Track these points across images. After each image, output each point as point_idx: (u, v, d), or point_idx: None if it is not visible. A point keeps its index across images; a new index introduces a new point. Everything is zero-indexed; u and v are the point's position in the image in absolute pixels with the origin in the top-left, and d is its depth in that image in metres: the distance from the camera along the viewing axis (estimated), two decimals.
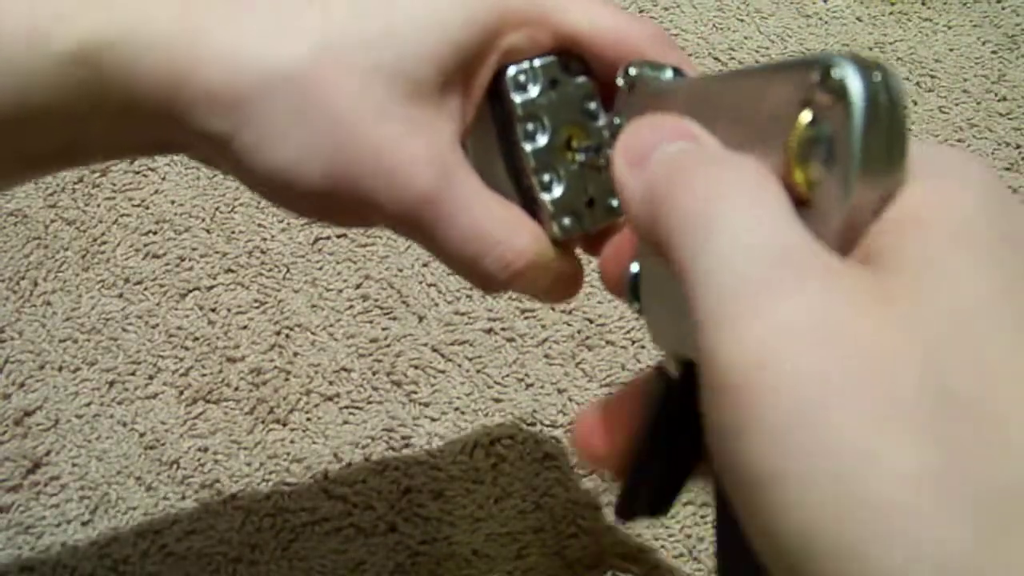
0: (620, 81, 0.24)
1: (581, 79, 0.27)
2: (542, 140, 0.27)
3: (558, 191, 0.27)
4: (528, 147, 0.27)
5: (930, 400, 0.14)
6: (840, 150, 0.16)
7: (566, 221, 0.27)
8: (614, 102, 0.25)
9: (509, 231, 0.26)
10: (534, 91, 0.26)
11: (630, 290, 0.23)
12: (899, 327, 0.15)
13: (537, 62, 0.26)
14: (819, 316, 0.15)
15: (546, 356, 0.48)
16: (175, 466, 0.44)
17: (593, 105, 0.27)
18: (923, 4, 0.65)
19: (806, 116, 0.17)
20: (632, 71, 0.24)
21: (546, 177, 0.27)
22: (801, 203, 0.17)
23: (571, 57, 0.26)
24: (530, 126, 0.26)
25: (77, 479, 0.44)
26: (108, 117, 0.23)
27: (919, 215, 0.16)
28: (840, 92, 0.16)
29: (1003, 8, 0.65)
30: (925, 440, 0.14)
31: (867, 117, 0.16)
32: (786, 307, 0.15)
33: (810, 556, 0.14)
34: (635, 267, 0.23)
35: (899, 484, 0.14)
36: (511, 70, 0.26)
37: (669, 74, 0.24)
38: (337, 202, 0.24)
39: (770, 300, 0.15)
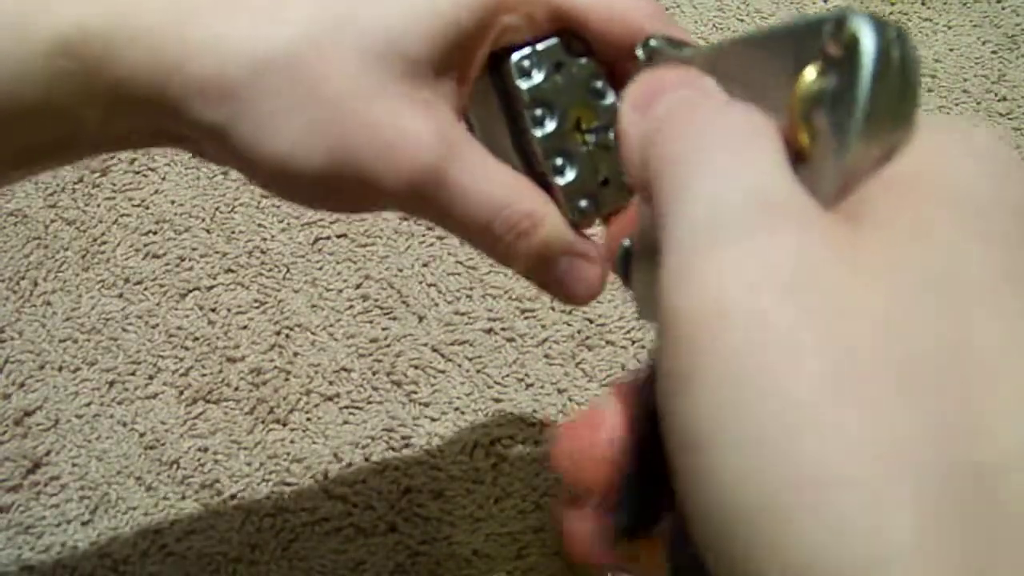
0: (640, 52, 0.24)
1: (584, 59, 0.26)
2: (551, 125, 0.26)
3: (571, 174, 0.27)
4: (538, 133, 0.26)
5: (891, 367, 0.13)
6: (845, 104, 0.15)
7: (582, 203, 0.27)
8: (630, 75, 0.25)
9: (515, 194, 0.25)
10: (539, 76, 0.26)
11: (620, 263, 0.23)
12: (871, 284, 0.14)
13: (540, 46, 0.26)
14: (784, 264, 0.14)
15: (546, 356, 0.48)
16: (175, 466, 0.44)
17: (599, 84, 0.27)
18: (923, 4, 0.65)
19: (814, 68, 0.16)
20: (653, 43, 0.24)
21: (558, 161, 0.27)
22: (802, 158, 0.16)
23: (571, 37, 0.26)
24: (538, 112, 0.26)
25: (77, 479, 0.44)
26: (100, 109, 0.23)
27: (913, 174, 0.15)
28: (851, 43, 0.15)
29: (1003, 8, 0.65)
30: (877, 408, 0.13)
31: (876, 71, 0.15)
32: (751, 252, 0.14)
33: (737, 529, 0.13)
34: (627, 241, 0.23)
35: (838, 453, 0.13)
36: (514, 56, 0.26)
37: (688, 51, 0.24)
38: (341, 187, 0.24)
39: (735, 243, 0.15)
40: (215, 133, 0.23)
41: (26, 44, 0.22)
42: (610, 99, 0.27)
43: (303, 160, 0.23)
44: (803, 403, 0.13)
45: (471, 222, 0.25)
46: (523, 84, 0.26)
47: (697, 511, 0.14)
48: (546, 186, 0.27)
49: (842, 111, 0.15)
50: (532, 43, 0.26)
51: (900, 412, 0.13)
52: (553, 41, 0.26)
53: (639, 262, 0.23)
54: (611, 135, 0.26)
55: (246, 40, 0.23)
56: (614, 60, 0.26)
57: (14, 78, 0.22)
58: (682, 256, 0.15)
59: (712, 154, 0.16)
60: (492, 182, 0.25)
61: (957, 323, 0.14)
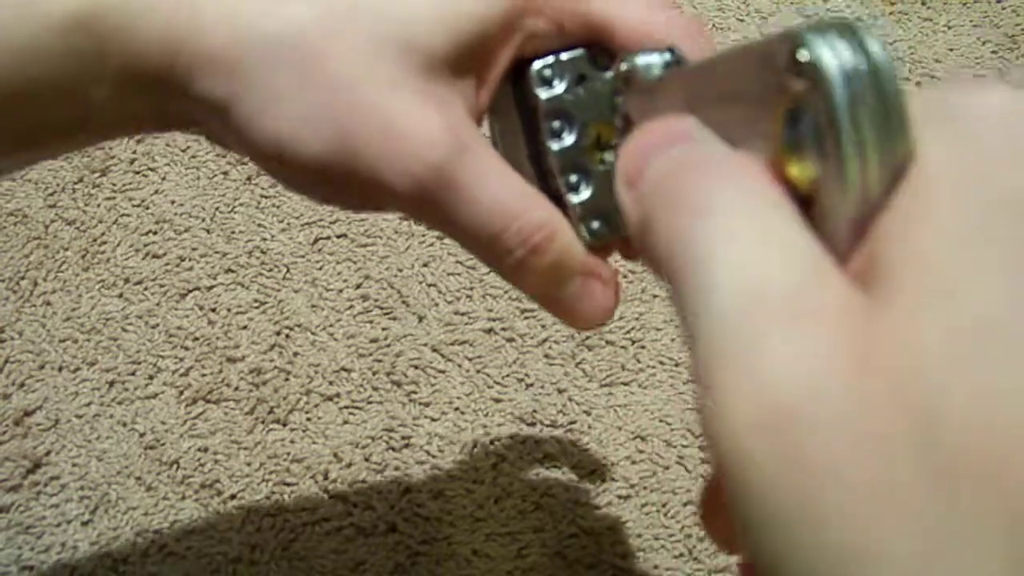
0: (617, 76, 0.23)
1: (610, 74, 0.25)
2: (569, 139, 0.25)
3: (586, 193, 0.25)
4: (554, 146, 0.25)
5: (930, 472, 0.12)
6: (829, 139, 0.14)
7: (595, 224, 0.25)
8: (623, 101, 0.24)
9: (529, 204, 0.24)
10: (560, 87, 0.25)
11: None
12: (893, 380, 0.13)
13: (564, 56, 0.25)
14: (810, 384, 0.13)
15: (546, 356, 0.48)
16: (175, 466, 0.44)
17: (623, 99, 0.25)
18: (923, 4, 0.65)
19: (785, 106, 0.15)
20: (623, 66, 0.22)
21: (573, 178, 0.25)
22: (804, 199, 0.15)
23: (599, 50, 0.25)
24: (556, 124, 0.25)
25: (77, 479, 0.44)
26: (108, 87, 0.23)
27: (920, 203, 0.14)
28: (813, 75, 0.14)
29: (1003, 8, 0.65)
30: (922, 525, 0.12)
31: (850, 96, 0.14)
32: (777, 375, 0.13)
33: None
34: None
35: None
36: (536, 64, 0.25)
37: (658, 61, 0.22)
38: (342, 177, 0.23)
39: (759, 366, 0.13)
40: (219, 109, 0.23)
41: (39, 20, 0.21)
42: None
43: (302, 143, 0.22)
44: (845, 537, 0.12)
45: (480, 231, 0.23)
46: (542, 94, 0.25)
47: None
48: (560, 205, 0.25)
49: (830, 149, 0.14)
50: (556, 52, 0.25)
51: (937, 522, 0.12)
52: (579, 52, 0.25)
53: None
54: None
55: (259, 16, 0.22)
56: None
57: (25, 55, 0.21)
58: (706, 377, 0.14)
59: (711, 240, 0.15)
60: (505, 189, 0.23)
61: (977, 399, 0.12)
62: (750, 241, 0.14)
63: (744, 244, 0.14)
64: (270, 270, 0.50)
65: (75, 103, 0.23)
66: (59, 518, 0.43)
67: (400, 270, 0.50)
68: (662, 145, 0.17)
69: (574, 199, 0.25)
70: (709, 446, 0.14)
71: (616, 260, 0.27)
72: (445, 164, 0.23)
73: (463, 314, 0.49)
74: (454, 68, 0.23)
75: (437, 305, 0.49)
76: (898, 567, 0.12)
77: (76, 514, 0.43)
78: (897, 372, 0.13)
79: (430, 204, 0.23)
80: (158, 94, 0.23)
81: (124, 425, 0.45)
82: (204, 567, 0.42)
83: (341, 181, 0.23)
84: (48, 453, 0.44)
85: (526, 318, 0.49)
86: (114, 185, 0.52)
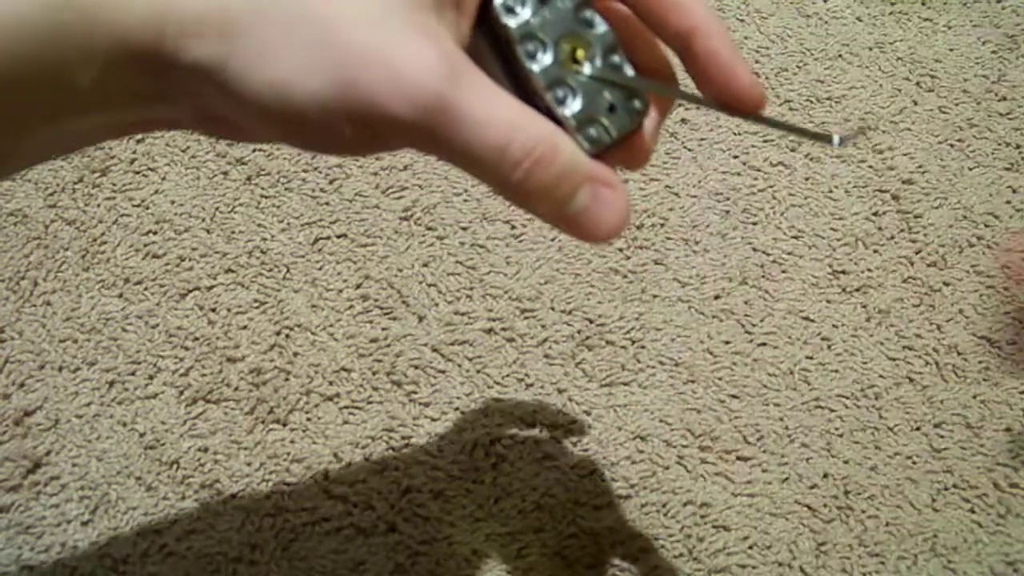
0: None
1: None
2: (546, 59, 0.27)
3: (576, 105, 0.27)
4: (535, 67, 0.27)
5: None
6: None
7: (592, 131, 0.27)
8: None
9: (530, 118, 0.25)
10: (526, 12, 0.27)
11: None
12: None
13: None
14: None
15: (546, 356, 0.48)
16: (175, 466, 0.44)
17: (587, 13, 0.27)
18: (923, 4, 0.65)
19: None
20: None
21: (560, 93, 0.27)
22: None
23: None
24: (530, 47, 0.27)
25: (77, 479, 0.44)
26: (97, 65, 0.23)
27: None
28: None
29: (1003, 8, 0.65)
30: None
31: None
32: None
33: None
34: None
35: None
36: None
37: None
38: (344, 117, 0.24)
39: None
40: (212, 72, 0.23)
41: None
42: (601, 27, 0.27)
43: (300, 88, 0.23)
44: None
45: (484, 149, 0.24)
46: (511, 22, 0.26)
47: None
48: (554, 122, 0.27)
49: None
50: None
51: None
52: None
53: None
54: (611, 61, 0.27)
55: None
56: None
57: (9, 32, 0.21)
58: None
59: None
60: (505, 107, 0.25)
61: None
62: None
63: None
64: (270, 270, 0.50)
65: (63, 85, 0.23)
66: (59, 518, 0.43)
67: (400, 270, 0.50)
68: None
69: (567, 112, 0.27)
70: None
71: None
72: (444, 89, 0.23)
73: (463, 314, 0.49)
74: (439, 2, 0.24)
75: (437, 305, 0.49)
76: None
77: (76, 514, 0.43)
78: None
79: (433, 130, 0.24)
80: (147, 72, 0.23)
81: (124, 425, 0.45)
82: (204, 567, 0.42)
83: (344, 120, 0.24)
84: (48, 453, 0.44)
85: (526, 318, 0.49)
86: (114, 185, 0.52)
